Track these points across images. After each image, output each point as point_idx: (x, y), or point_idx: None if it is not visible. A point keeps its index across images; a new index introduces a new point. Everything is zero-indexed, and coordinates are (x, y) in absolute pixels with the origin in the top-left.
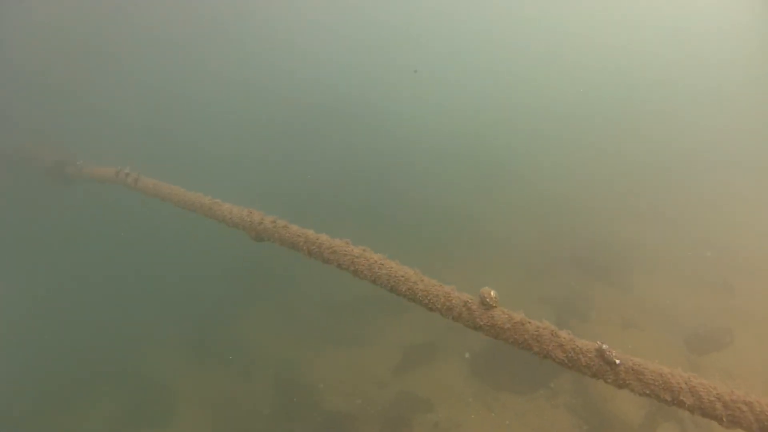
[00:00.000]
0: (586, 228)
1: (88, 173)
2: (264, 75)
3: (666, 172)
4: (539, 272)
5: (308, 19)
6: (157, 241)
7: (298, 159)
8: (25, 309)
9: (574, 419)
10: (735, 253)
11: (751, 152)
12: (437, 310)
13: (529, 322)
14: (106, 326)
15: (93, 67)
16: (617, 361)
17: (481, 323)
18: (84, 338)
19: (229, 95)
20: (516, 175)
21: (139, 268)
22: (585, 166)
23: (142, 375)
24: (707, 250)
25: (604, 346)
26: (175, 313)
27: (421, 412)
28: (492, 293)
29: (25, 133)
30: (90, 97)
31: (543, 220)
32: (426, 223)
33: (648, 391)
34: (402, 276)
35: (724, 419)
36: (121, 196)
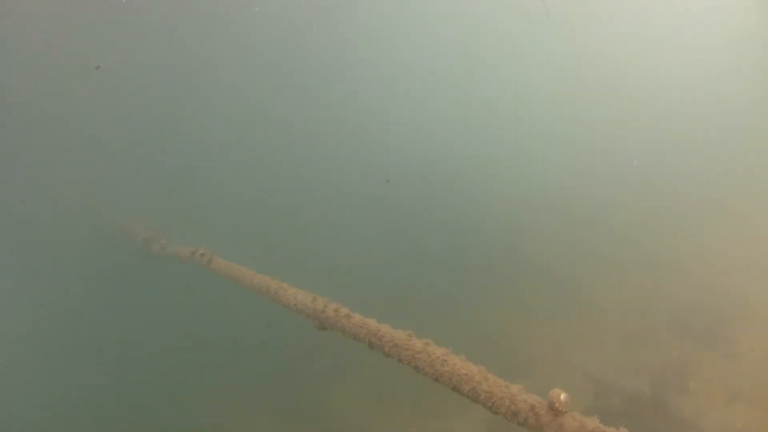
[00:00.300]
0: (685, 286)
1: (171, 251)
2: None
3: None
4: (635, 338)
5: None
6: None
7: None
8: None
9: None
10: None
11: None
12: (501, 414)
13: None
14: None
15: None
16: None
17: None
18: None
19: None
20: (612, 232)
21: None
22: (673, 213)
23: None
24: None
25: None
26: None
27: None
28: (562, 397)
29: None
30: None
31: (638, 278)
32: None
33: None
34: (465, 374)
35: None
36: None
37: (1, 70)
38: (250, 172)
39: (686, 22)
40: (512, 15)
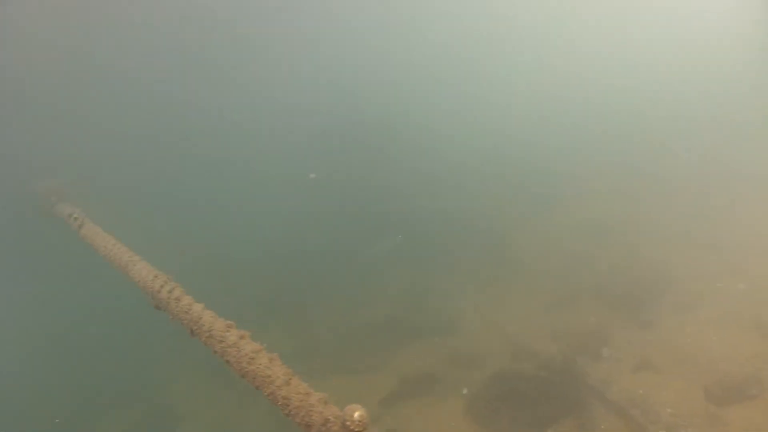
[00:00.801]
0: (613, 251)
1: (56, 210)
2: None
3: (704, 190)
4: (558, 302)
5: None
6: None
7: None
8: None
9: None
10: None
11: None
12: (296, 423)
13: None
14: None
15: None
16: None
17: None
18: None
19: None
20: (543, 195)
21: None
22: (618, 183)
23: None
24: (741, 281)
25: None
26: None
27: None
28: (356, 415)
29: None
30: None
31: (567, 242)
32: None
33: None
34: (267, 376)
35: None
36: None
37: None
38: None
39: None
40: None
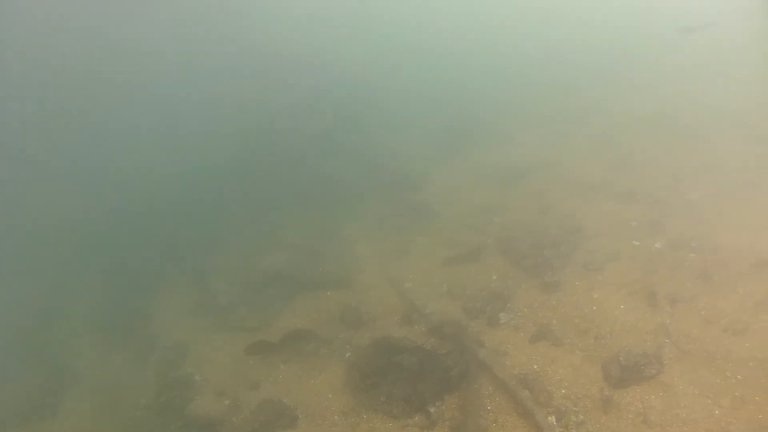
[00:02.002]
0: (527, 204)
1: None
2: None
3: (631, 140)
4: (463, 257)
5: None
6: None
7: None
8: None
9: None
10: (689, 251)
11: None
12: None
13: None
14: None
15: None
16: None
17: None
18: None
19: None
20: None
21: None
22: (541, 129)
23: None
24: (659, 240)
25: None
26: None
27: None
28: None
29: None
30: None
31: (485, 191)
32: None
33: None
34: None
35: None
36: None
37: None
38: None
39: None
40: None
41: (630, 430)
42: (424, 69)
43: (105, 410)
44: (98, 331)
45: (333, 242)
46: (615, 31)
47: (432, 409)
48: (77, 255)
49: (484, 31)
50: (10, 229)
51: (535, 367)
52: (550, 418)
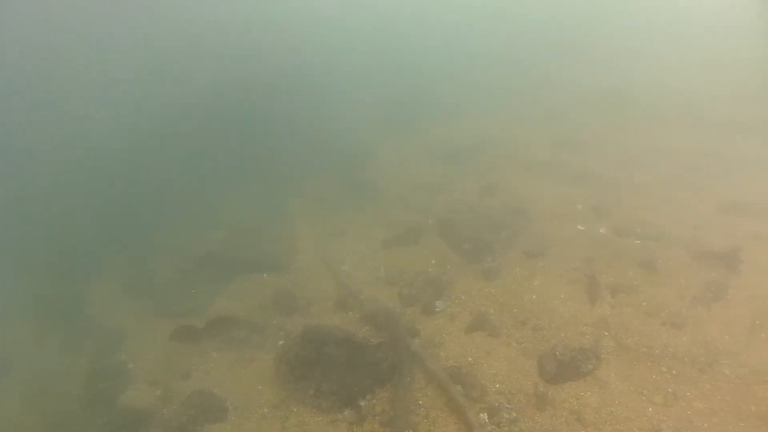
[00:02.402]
0: (472, 183)
1: None
2: None
3: (582, 117)
4: (404, 240)
5: None
6: None
7: None
8: None
9: None
10: (634, 238)
11: None
12: None
13: None
14: None
15: None
16: None
17: None
18: None
19: None
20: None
21: None
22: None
23: None
24: (605, 224)
25: None
26: None
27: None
28: None
29: None
30: None
31: (432, 168)
32: None
33: None
34: None
35: None
36: None
37: None
38: None
39: None
40: None
41: (563, 429)
42: (372, 42)
43: (34, 401)
44: (30, 316)
45: (273, 221)
46: (577, 2)
47: (362, 403)
48: (7, 236)
49: (437, 3)
50: None
51: (470, 359)
52: (482, 414)
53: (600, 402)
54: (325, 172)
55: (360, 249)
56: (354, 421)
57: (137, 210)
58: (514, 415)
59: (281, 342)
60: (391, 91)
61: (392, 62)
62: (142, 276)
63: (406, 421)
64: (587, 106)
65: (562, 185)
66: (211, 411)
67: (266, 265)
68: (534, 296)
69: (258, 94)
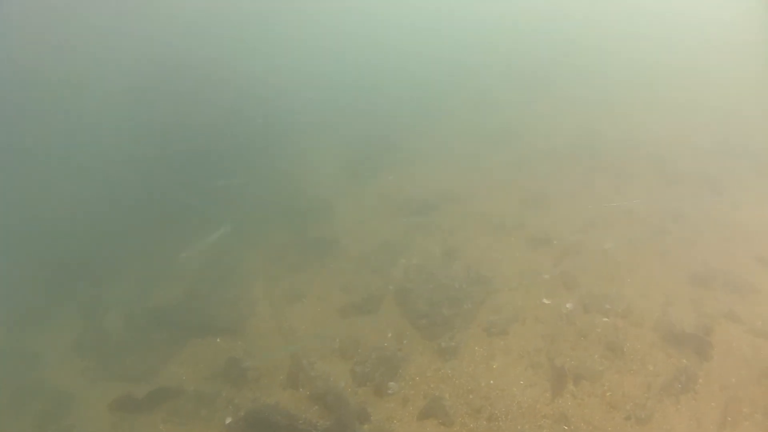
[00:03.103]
0: (431, 246)
1: None
2: None
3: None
4: (358, 306)
5: None
6: None
7: None
8: None
9: None
10: (602, 315)
11: None
12: None
13: None
14: None
15: None
16: None
17: None
18: None
19: None
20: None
21: None
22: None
23: None
24: (571, 299)
25: None
26: None
27: None
28: None
29: None
30: None
31: (393, 226)
32: None
33: None
34: None
35: None
36: None
37: None
38: None
39: None
40: None
41: None
42: (334, 85)
43: None
44: None
45: (231, 277)
46: (544, 40)
47: None
48: None
49: (399, 40)
50: None
51: None
52: None
53: None
54: (286, 224)
55: (317, 316)
56: None
57: (94, 255)
58: None
59: (229, 420)
60: (354, 136)
61: (356, 105)
62: (96, 331)
63: None
64: (557, 156)
65: (528, 250)
66: None
67: (221, 327)
68: (492, 381)
69: (217, 137)
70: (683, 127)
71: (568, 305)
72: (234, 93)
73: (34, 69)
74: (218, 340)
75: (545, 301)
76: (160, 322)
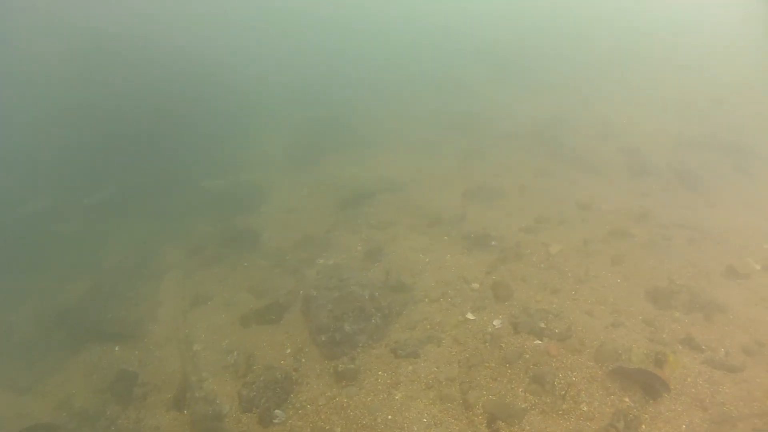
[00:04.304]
0: (340, 255)
1: None
2: None
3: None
4: (259, 315)
5: None
6: None
7: None
8: None
9: None
10: (534, 336)
11: None
12: None
13: None
14: None
15: None
16: None
17: None
18: None
19: None
20: None
21: None
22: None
23: None
24: (499, 315)
25: None
26: None
27: None
28: None
29: None
30: None
31: (310, 229)
32: None
33: None
34: None
35: None
36: None
37: None
38: None
39: None
40: None
41: None
42: (286, 65)
43: None
44: None
45: (141, 272)
46: (514, 25)
47: None
48: None
49: (361, 21)
50: None
51: None
52: None
53: None
54: (209, 215)
55: (219, 323)
56: None
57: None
58: None
59: None
60: (298, 121)
61: (306, 89)
62: (3, 330)
63: None
64: (515, 145)
65: (461, 252)
66: None
67: (121, 333)
68: (390, 416)
69: (147, 118)
70: (659, 118)
71: (495, 322)
72: (175, 72)
73: None
74: (116, 348)
75: (469, 316)
76: (64, 321)
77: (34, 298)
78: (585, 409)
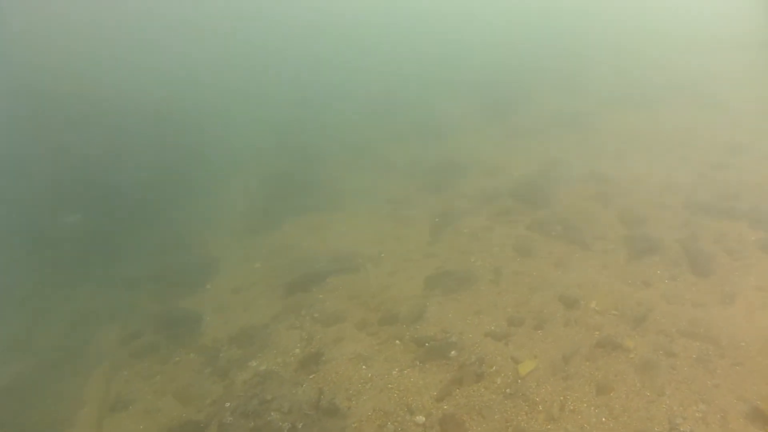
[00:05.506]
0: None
1: None
2: None
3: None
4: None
5: None
6: None
7: None
8: None
9: None
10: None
11: None
12: None
13: None
14: None
15: None
16: None
17: None
18: None
19: None
20: None
21: None
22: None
23: None
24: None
25: None
26: None
27: None
28: None
29: None
30: None
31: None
32: None
33: None
34: None
35: None
36: None
37: None
38: None
39: None
40: None
41: None
42: (245, 112)
43: None
44: None
45: (71, 362)
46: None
47: None
48: None
49: (336, 51)
50: None
51: None
52: None
53: None
54: (155, 293)
55: None
56: None
57: None
58: None
59: None
60: (261, 176)
61: (271, 140)
62: None
63: None
64: (494, 208)
65: (411, 365)
66: None
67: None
68: None
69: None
70: (668, 170)
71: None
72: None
73: None
74: None
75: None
76: None
77: None
78: None
